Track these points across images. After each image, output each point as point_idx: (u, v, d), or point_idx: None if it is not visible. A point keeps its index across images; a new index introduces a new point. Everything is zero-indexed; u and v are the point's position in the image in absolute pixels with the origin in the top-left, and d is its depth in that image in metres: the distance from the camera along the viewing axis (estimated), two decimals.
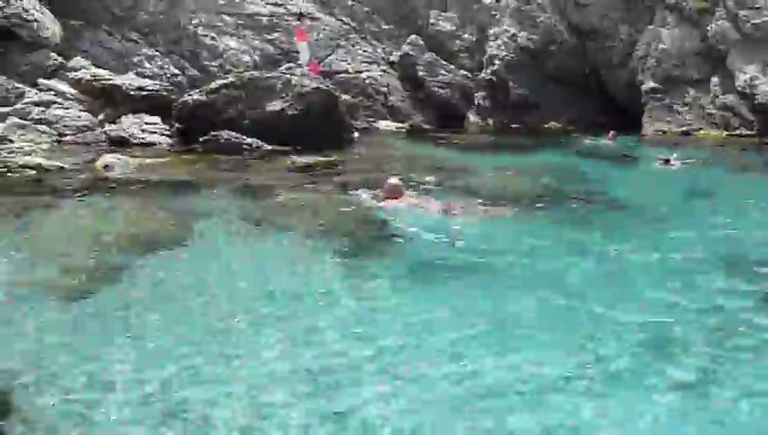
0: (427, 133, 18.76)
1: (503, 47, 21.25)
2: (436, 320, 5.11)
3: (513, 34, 21.16)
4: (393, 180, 8.56)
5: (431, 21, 22.99)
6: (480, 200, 9.14)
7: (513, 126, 20.70)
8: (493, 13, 22.19)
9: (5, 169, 10.59)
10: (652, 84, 19.16)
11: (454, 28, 23.05)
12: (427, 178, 10.60)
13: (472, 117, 21.65)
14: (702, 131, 18.05)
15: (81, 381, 4.21)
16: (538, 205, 9.17)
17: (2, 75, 15.27)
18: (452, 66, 21.90)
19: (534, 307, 5.35)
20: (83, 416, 3.84)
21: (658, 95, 19.10)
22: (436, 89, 21.16)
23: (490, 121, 21.28)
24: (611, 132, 17.07)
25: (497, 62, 21.14)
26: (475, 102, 21.72)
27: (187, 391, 4.10)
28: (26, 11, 16.32)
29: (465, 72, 22.18)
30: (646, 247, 6.92)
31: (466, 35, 23.09)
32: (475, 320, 5.07)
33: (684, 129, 18.31)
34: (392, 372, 4.29)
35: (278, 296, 5.67)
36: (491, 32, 21.82)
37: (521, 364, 4.37)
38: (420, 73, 21.18)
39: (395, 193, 8.34)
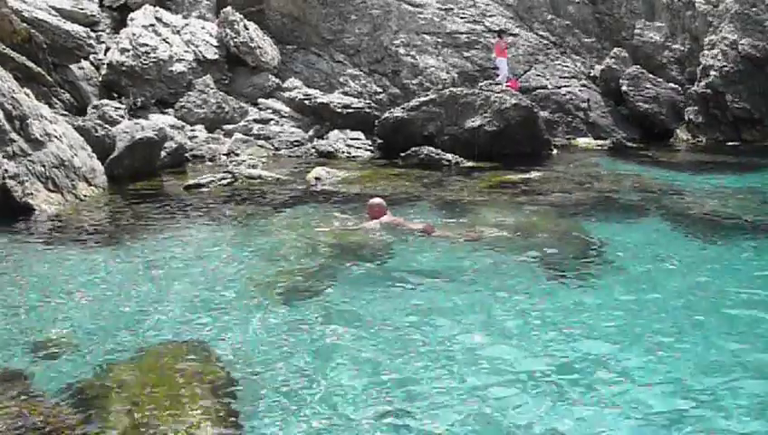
0: (630, 151, 17.67)
1: (720, 56, 19.43)
2: None
3: (734, 42, 19.25)
4: (376, 200, 8.79)
5: (636, 31, 21.73)
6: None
7: (730, 144, 18.80)
8: (709, 19, 20.42)
9: (233, 179, 11.86)
10: None
11: (662, 38, 21.59)
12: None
13: (681, 133, 20.05)
14: None
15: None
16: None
17: (230, 96, 17.23)
18: (659, 79, 20.47)
19: None
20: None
21: None
22: (641, 104, 19.88)
23: (702, 139, 19.53)
24: None
25: (713, 73, 19.35)
26: (685, 118, 20.09)
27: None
28: (252, 40, 18.24)
29: (674, 86, 20.62)
30: None
31: (677, 45, 21.50)
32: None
33: None
34: None
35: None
36: (706, 40, 20.07)
37: None
38: (624, 88, 20.04)
39: (378, 212, 8.51)
